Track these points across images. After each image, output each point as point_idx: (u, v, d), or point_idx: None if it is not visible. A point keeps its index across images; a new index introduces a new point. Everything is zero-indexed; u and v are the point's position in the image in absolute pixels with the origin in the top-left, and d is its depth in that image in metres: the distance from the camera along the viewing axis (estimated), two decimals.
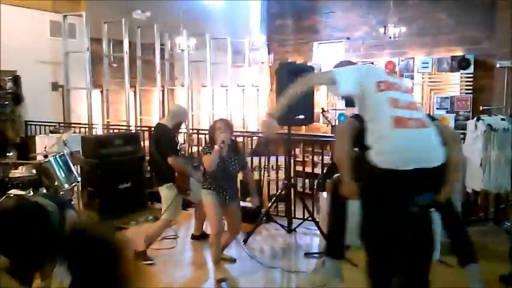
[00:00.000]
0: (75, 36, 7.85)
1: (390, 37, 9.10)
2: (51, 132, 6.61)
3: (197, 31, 8.84)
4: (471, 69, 8.98)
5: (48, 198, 1.90)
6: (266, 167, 6.08)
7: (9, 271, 1.73)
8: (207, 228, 5.06)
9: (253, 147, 6.73)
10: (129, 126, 7.85)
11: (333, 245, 3.15)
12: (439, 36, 9.35)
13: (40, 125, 7.17)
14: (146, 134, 6.80)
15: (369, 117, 2.55)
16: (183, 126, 5.18)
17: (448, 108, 9.25)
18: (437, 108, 9.37)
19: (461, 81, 9.18)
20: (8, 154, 4.83)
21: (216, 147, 3.78)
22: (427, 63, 9.43)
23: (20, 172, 4.85)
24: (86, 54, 7.50)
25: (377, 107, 2.51)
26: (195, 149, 6.38)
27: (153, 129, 6.83)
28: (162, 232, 4.56)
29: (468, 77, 9.06)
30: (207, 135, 4.20)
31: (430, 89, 9.48)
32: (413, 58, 9.57)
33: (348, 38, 10.36)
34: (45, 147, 5.10)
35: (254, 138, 7.02)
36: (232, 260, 4.33)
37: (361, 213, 2.62)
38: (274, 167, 6.40)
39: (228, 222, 4.13)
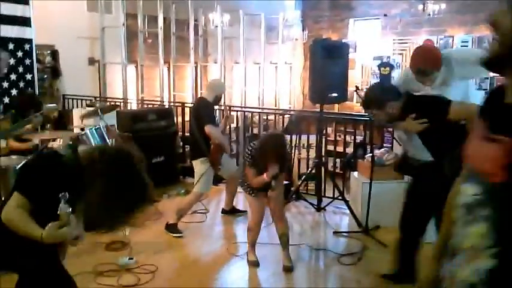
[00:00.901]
0: (111, 11, 7.94)
1: (429, 14, 8.81)
2: (87, 106, 6.76)
3: (231, 7, 8.79)
4: None
5: (67, 147, 2.16)
6: (297, 145, 6.07)
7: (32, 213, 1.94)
8: (237, 203, 5.14)
9: (285, 125, 6.71)
10: (162, 101, 7.95)
11: None
12: (481, 14, 8.97)
13: (77, 99, 7.35)
14: (179, 110, 6.88)
15: None
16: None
17: (487, 89, 8.92)
18: (476, 89, 9.06)
19: None
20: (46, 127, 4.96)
21: (265, 178, 3.51)
22: (467, 41, 9.09)
23: (57, 144, 4.99)
24: (122, 30, 7.59)
25: None
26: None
27: (186, 104, 6.95)
28: (193, 205, 4.66)
29: None
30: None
31: None
32: (453, 37, 9.25)
33: (385, 15, 10.08)
34: (82, 121, 5.23)
35: (286, 116, 7.01)
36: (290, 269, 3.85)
37: None
38: (306, 145, 6.39)
39: (270, 207, 4.04)
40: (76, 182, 2.01)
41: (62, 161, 2.01)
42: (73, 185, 2.00)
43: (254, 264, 3.85)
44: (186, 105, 6.91)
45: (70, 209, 1.88)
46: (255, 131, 7.69)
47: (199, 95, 8.88)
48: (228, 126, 5.44)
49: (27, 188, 1.97)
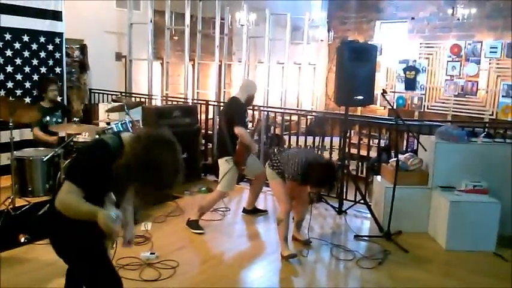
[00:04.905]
0: (139, 7, 8.03)
1: (458, 19, 8.67)
2: (113, 101, 6.85)
3: (257, 6, 8.79)
4: None
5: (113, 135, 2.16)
6: (320, 146, 6.05)
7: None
8: (258, 203, 5.15)
9: (308, 126, 6.70)
10: (186, 99, 8.00)
11: None
12: None
13: (103, 94, 7.45)
14: (203, 108, 6.91)
15: None
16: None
17: None
18: (503, 96, 8.88)
19: None
20: (74, 119, 5.04)
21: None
22: (496, 47, 8.92)
23: (83, 137, 5.06)
24: (149, 26, 7.67)
25: None
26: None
27: (210, 102, 6.99)
28: (215, 203, 4.68)
29: None
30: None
31: (497, 76, 8.99)
32: (481, 42, 9.08)
33: (413, 18, 9.96)
34: (108, 115, 5.31)
35: (308, 116, 6.99)
36: (309, 243, 4.28)
37: None
38: (328, 147, 6.35)
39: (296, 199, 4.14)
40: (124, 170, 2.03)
41: (111, 149, 2.03)
42: (120, 173, 2.03)
43: (291, 256, 3.86)
44: (210, 103, 6.95)
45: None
46: (277, 131, 7.70)
47: (222, 93, 8.95)
48: (258, 130, 5.46)
49: (77, 176, 2.01)
